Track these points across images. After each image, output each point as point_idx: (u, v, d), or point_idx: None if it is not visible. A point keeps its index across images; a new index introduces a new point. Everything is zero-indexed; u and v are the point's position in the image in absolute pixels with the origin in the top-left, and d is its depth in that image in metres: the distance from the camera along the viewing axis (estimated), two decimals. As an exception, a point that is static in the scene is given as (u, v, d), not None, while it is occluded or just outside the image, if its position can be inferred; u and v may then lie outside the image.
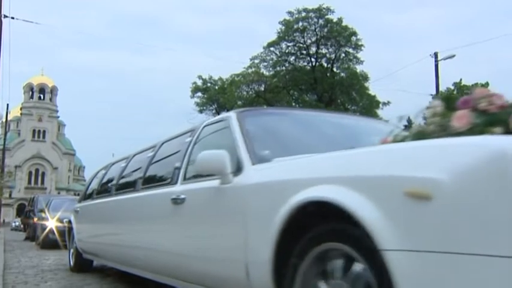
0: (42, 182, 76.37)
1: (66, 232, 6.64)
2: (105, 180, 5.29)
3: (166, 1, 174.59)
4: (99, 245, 4.98)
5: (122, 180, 4.55)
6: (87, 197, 5.82)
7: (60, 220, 10.91)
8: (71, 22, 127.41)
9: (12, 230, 35.71)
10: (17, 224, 35.87)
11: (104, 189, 5.13)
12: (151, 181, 3.71)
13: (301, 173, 2.07)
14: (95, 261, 5.60)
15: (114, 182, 4.72)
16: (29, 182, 75.74)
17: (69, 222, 6.35)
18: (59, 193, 60.67)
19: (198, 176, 2.85)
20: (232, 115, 2.89)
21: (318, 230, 1.82)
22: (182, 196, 2.87)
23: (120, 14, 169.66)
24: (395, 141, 1.89)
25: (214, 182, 2.55)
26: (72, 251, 6.05)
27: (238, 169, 2.45)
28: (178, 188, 3.00)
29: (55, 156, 78.29)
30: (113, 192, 4.60)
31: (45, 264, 6.77)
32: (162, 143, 3.97)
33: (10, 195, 73.02)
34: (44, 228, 11.10)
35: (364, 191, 1.62)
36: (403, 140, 1.85)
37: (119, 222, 4.29)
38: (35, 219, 13.58)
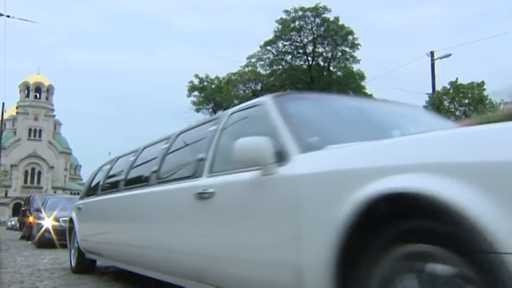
0: (39, 181, 76.11)
1: (67, 231, 6.23)
2: (111, 175, 4.97)
3: (165, 1, 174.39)
4: (105, 244, 4.66)
5: (132, 175, 4.26)
6: (91, 193, 5.49)
7: (57, 219, 10.94)
8: (69, 21, 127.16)
9: (7, 229, 35.60)
10: (13, 223, 35.76)
11: (110, 185, 4.82)
12: (169, 175, 3.42)
13: (370, 161, 1.76)
14: (99, 262, 5.38)
15: (122, 176, 4.39)
16: (25, 181, 75.46)
17: (70, 220, 5.97)
18: (55, 192, 60.49)
19: (229, 168, 2.54)
20: (268, 100, 2.60)
21: (396, 229, 1.54)
22: (210, 190, 2.59)
23: (119, 13, 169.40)
24: (483, 122, 1.70)
25: (251, 174, 2.27)
26: (73, 251, 5.75)
27: (281, 158, 2.16)
28: (204, 182, 2.72)
29: (51, 155, 78.03)
30: (121, 187, 4.30)
31: (41, 264, 6.75)
32: (178, 134, 3.70)
33: (6, 194, 72.84)
34: (40, 227, 11.09)
35: (468, 181, 1.33)
36: (492, 121, 1.66)
37: (129, 219, 3.97)
38: (31, 219, 13.54)
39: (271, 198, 2.17)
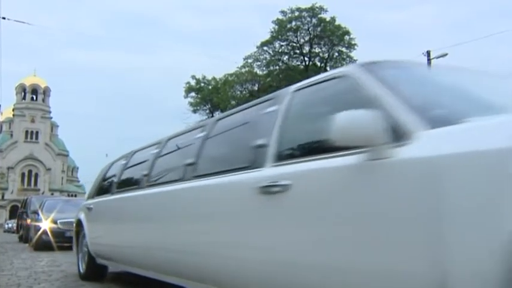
0: (36, 183, 75.92)
1: (73, 234, 5.62)
2: (129, 171, 4.48)
3: (162, 1, 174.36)
4: (122, 248, 4.12)
5: (157, 170, 3.76)
6: (103, 191, 4.98)
7: (54, 221, 10.90)
8: (66, 22, 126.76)
9: (5, 231, 35.52)
10: (10, 225, 35.67)
11: (129, 182, 4.32)
12: (210, 168, 2.94)
13: None
14: (111, 267, 4.86)
15: (144, 172, 3.86)
16: (22, 183, 75.25)
17: (78, 222, 5.37)
18: (52, 194, 60.29)
19: (307, 153, 2.13)
20: (357, 69, 2.11)
21: None
22: (283, 182, 2.09)
23: (117, 14, 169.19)
24: None
25: (348, 159, 1.81)
26: (81, 255, 5.19)
27: (398, 137, 1.69)
28: (269, 172, 2.23)
29: (48, 157, 77.86)
30: (143, 184, 3.79)
31: (39, 266, 6.72)
32: (217, 121, 3.26)
33: (3, 196, 72.66)
34: (37, 229, 11.04)
35: None
36: None
37: (156, 219, 3.45)
38: (28, 221, 13.49)
39: (389, 189, 1.66)
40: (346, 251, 1.80)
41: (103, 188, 5.08)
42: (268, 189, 2.18)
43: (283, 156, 2.27)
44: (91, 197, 5.38)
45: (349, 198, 1.83)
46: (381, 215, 1.69)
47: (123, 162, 4.73)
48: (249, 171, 2.42)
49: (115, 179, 4.69)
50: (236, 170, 2.56)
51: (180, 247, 3.04)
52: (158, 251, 3.37)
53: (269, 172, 2.26)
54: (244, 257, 2.39)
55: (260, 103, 2.82)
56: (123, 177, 4.54)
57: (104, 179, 5.22)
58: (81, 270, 5.16)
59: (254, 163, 2.41)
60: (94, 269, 4.90)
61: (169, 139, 3.89)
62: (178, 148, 3.66)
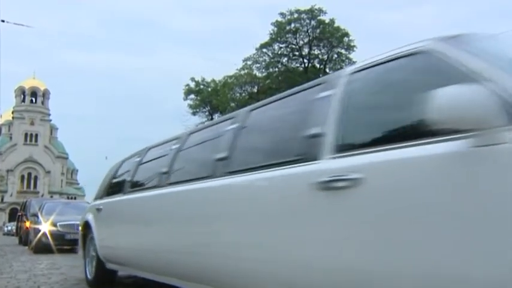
0: (35, 186, 75.89)
1: (80, 236, 5.21)
2: (144, 169, 4.16)
3: (161, 2, 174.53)
4: (139, 252, 3.74)
5: (179, 167, 3.43)
6: (114, 191, 4.62)
7: (54, 224, 10.87)
8: (65, 23, 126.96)
9: (4, 234, 35.49)
10: (9, 228, 35.64)
11: (145, 180, 4.03)
12: (248, 162, 2.63)
13: None
14: (121, 272, 4.60)
15: (163, 169, 3.50)
16: (22, 186, 75.23)
17: (85, 224, 4.96)
18: (51, 197, 60.27)
19: (385, 141, 1.80)
20: (438, 44, 1.81)
21: None
22: (351, 176, 1.78)
23: (115, 15, 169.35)
24: None
25: (449, 145, 1.52)
26: (89, 260, 4.83)
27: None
28: (329, 165, 1.93)
29: (48, 160, 77.85)
30: (163, 182, 3.45)
31: (38, 269, 6.71)
32: (250, 111, 2.90)
33: (2, 199, 72.63)
34: (37, 232, 10.99)
35: None
36: None
37: (179, 221, 3.12)
38: (28, 224, 13.48)
39: (505, 182, 1.37)
40: (440, 259, 1.48)
41: (114, 187, 4.72)
42: (331, 185, 1.86)
43: (346, 147, 1.96)
44: (100, 197, 4.99)
45: (447, 193, 1.51)
46: (493, 214, 1.38)
47: (136, 159, 4.35)
48: (299, 165, 2.11)
49: (128, 178, 4.31)
50: (281, 164, 2.25)
51: (208, 250, 2.70)
52: (181, 255, 3.03)
53: (329, 165, 1.94)
54: (302, 263, 2.01)
55: (304, 90, 2.51)
56: (138, 175, 4.19)
57: (115, 178, 4.84)
58: (89, 276, 4.77)
59: (306, 155, 2.11)
60: (103, 275, 4.53)
61: (191, 133, 3.61)
62: (204, 142, 3.33)
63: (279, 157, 2.35)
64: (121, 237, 4.11)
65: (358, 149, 1.91)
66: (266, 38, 31.27)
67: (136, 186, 4.07)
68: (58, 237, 10.66)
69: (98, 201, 4.87)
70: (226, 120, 3.14)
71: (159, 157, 3.86)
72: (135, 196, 3.94)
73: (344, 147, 1.96)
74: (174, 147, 3.59)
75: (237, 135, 2.80)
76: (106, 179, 5.14)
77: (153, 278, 3.60)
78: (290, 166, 2.18)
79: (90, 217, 4.83)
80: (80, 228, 5.25)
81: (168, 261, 3.24)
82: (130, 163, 4.53)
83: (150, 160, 4.10)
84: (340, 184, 1.83)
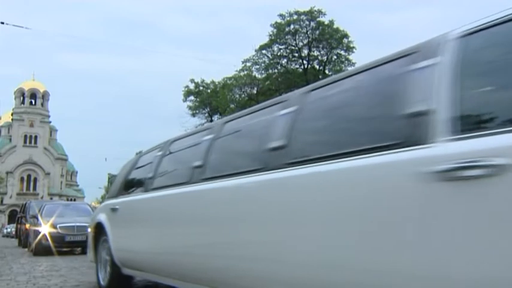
0: (35, 188, 75.83)
1: (91, 239, 4.75)
2: (170, 163, 3.76)
3: (159, 4, 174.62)
4: (163, 256, 3.33)
5: (217, 160, 2.99)
6: (131, 189, 4.26)
7: (54, 226, 10.84)
8: (63, 26, 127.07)
9: (3, 236, 35.48)
10: (9, 230, 35.62)
11: (172, 176, 3.58)
12: (319, 151, 2.16)
13: None
14: (138, 277, 4.24)
15: (196, 163, 3.05)
16: (21, 187, 75.17)
17: (97, 225, 4.52)
18: (51, 198, 60.31)
19: None
20: None
21: None
22: (492, 162, 1.39)
23: (113, 17, 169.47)
24: None
25: None
26: (101, 265, 4.46)
27: None
28: (450, 149, 1.55)
29: (47, 162, 77.81)
30: (196, 178, 2.99)
31: (38, 271, 6.71)
32: (310, 91, 2.44)
33: (2, 201, 72.57)
34: (36, 234, 10.95)
35: None
36: None
37: (225, 222, 2.62)
38: (27, 225, 13.46)
39: None
40: None
41: (131, 185, 4.32)
42: (456, 174, 1.47)
43: (474, 125, 1.58)
44: (114, 196, 4.53)
45: None
46: None
47: (157, 153, 3.90)
48: (396, 150, 1.69)
49: (150, 174, 3.84)
50: (365, 151, 1.81)
51: (269, 258, 2.22)
52: (222, 261, 2.60)
53: (450, 149, 1.55)
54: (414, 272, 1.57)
55: (388, 62, 2.02)
56: (162, 171, 3.74)
57: (132, 175, 4.41)
58: (102, 282, 4.38)
59: (408, 138, 1.70)
60: (119, 281, 4.14)
61: (227, 122, 3.15)
62: (250, 130, 2.90)
63: (363, 143, 1.90)
64: (142, 239, 3.67)
65: (488, 128, 1.51)
66: (265, 40, 31.29)
67: (161, 182, 3.62)
68: (58, 239, 10.65)
69: (113, 201, 4.41)
70: (273, 105, 2.64)
71: (188, 150, 3.46)
72: (159, 194, 3.50)
73: (469, 127, 1.57)
74: (207, 137, 3.14)
75: (295, 120, 2.31)
76: (121, 176, 4.73)
77: (179, 286, 3.19)
78: (382, 153, 1.74)
79: (103, 218, 4.41)
80: (91, 229, 4.81)
81: (202, 267, 2.81)
82: (150, 158, 4.07)
83: (176, 153, 3.69)
84: (471, 173, 1.43)
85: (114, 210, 4.22)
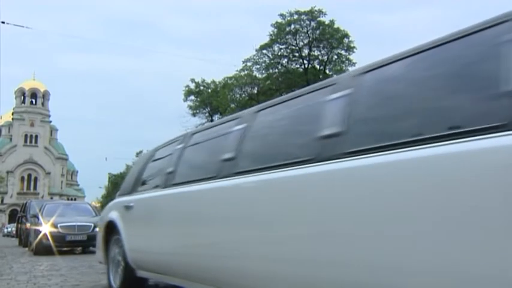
0: (35, 187, 75.89)
1: (100, 239, 4.45)
2: (193, 157, 3.46)
3: (159, 4, 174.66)
4: (186, 257, 3.01)
5: (253, 152, 2.67)
6: (148, 185, 3.97)
7: (54, 225, 10.83)
8: (64, 26, 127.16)
9: (4, 236, 35.50)
10: (9, 229, 35.65)
11: (196, 171, 3.30)
12: (390, 136, 1.75)
13: None
14: (152, 280, 3.97)
15: (226, 156, 2.74)
16: (22, 187, 75.23)
17: (109, 224, 4.20)
18: (51, 198, 60.36)
19: None
20: None
21: None
22: None
23: (113, 17, 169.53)
24: None
25: None
26: (113, 266, 4.15)
27: None
28: None
29: (48, 161, 77.86)
30: (226, 172, 2.67)
31: (38, 270, 6.71)
32: (364, 73, 2.08)
33: (2, 201, 72.62)
34: (37, 233, 10.93)
35: None
36: None
37: (263, 220, 2.29)
38: (28, 225, 13.47)
39: None
40: None
41: (148, 181, 4.03)
42: None
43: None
44: (127, 193, 4.21)
45: None
46: None
47: (177, 147, 3.59)
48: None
49: (169, 169, 3.51)
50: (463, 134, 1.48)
51: (323, 258, 1.88)
52: (268, 263, 2.23)
53: None
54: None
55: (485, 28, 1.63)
56: (184, 165, 3.43)
57: (147, 170, 4.12)
58: (114, 285, 4.08)
59: None
60: (132, 283, 3.85)
61: (261, 110, 2.80)
62: (288, 117, 2.56)
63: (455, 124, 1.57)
64: (162, 239, 3.36)
65: None
66: (266, 39, 31.29)
67: (183, 178, 3.30)
68: (59, 238, 10.64)
69: (126, 198, 4.09)
70: (317, 90, 2.35)
71: (214, 141, 3.17)
72: (182, 190, 3.18)
73: None
74: (238, 127, 2.81)
75: (353, 103, 2.00)
76: (134, 172, 4.43)
77: None
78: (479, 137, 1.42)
79: (115, 216, 4.10)
80: (101, 228, 4.48)
81: (237, 270, 2.48)
82: (167, 152, 3.77)
83: (200, 146, 3.38)
84: None
85: (128, 208, 3.91)
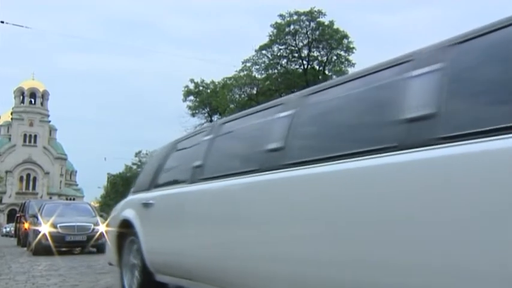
0: (34, 187, 75.81)
1: (113, 239, 4.08)
2: (227, 148, 3.13)
3: (159, 4, 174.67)
4: (220, 261, 2.64)
5: (310, 140, 2.36)
6: (170, 181, 3.59)
7: (54, 225, 10.75)
8: (63, 26, 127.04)
9: (2, 235, 35.49)
10: (8, 229, 35.64)
11: (234, 164, 2.92)
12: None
13: None
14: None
15: (272, 145, 2.37)
16: (21, 187, 75.16)
17: (124, 223, 3.83)
18: (50, 198, 60.30)
19: None
20: None
21: None
22: None
23: (113, 17, 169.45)
24: None
25: None
26: (127, 270, 3.83)
27: None
28: None
29: (46, 161, 77.79)
30: (273, 163, 2.31)
31: (37, 270, 6.71)
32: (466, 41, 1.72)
33: (1, 200, 72.55)
34: (36, 233, 10.83)
35: None
36: None
37: (324, 219, 1.96)
38: (27, 225, 13.43)
39: None
40: None
41: (170, 176, 3.69)
42: None
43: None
44: (145, 189, 3.84)
45: None
46: None
47: (205, 138, 3.23)
48: None
49: (197, 162, 3.14)
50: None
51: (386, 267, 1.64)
52: (331, 269, 1.88)
53: None
54: None
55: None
56: (215, 158, 3.09)
57: (169, 164, 3.76)
58: None
59: None
60: None
61: (312, 93, 2.43)
62: (350, 101, 2.20)
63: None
64: (188, 240, 3.01)
65: None
66: (265, 40, 31.30)
67: (214, 172, 2.96)
68: (58, 238, 10.56)
69: (144, 195, 3.73)
70: (387, 67, 2.03)
71: (253, 130, 2.82)
72: (214, 185, 2.84)
73: None
74: (283, 114, 2.45)
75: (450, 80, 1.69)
76: (152, 166, 4.10)
77: None
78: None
79: (131, 215, 3.76)
80: (113, 228, 4.10)
81: (291, 276, 2.10)
82: (193, 143, 3.47)
83: (235, 136, 3.05)
84: None
85: (147, 205, 3.54)
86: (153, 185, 3.76)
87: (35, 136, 77.89)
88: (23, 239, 14.38)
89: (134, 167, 46.83)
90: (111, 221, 4.27)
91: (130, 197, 4.09)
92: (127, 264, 3.82)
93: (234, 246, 2.52)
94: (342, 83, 2.36)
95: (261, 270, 2.26)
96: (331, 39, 30.35)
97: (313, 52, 31.68)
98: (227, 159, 3.08)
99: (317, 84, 2.57)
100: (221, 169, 2.94)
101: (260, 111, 2.87)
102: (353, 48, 31.10)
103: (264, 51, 31.73)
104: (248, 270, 2.37)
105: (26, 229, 13.57)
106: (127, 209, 3.94)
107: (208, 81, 36.32)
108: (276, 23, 30.66)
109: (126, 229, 3.80)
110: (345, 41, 30.78)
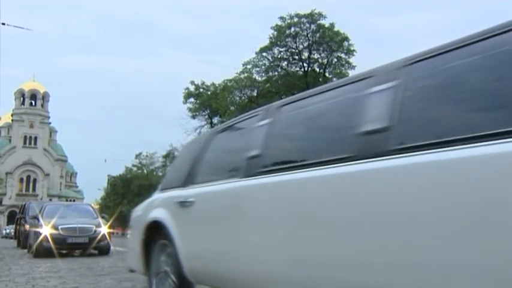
0: (34, 189, 75.81)
1: (139, 243, 3.46)
2: (295, 134, 2.58)
3: (159, 5, 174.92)
4: (294, 269, 2.11)
5: (424, 118, 1.77)
6: (213, 176, 3.03)
7: (55, 227, 10.60)
8: (63, 27, 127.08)
9: (2, 237, 35.49)
10: (8, 231, 35.64)
11: (309, 152, 2.35)
12: None
13: None
14: None
15: (371, 127, 1.85)
16: (21, 188, 75.16)
17: (153, 225, 3.32)
18: (50, 200, 60.25)
19: None
20: None
21: None
22: None
23: (113, 19, 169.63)
24: None
25: None
26: (158, 279, 3.31)
27: None
28: None
29: (47, 163, 77.81)
30: (373, 150, 1.79)
31: (36, 272, 6.71)
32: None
33: (1, 202, 72.55)
34: (37, 235, 10.65)
35: None
36: None
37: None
38: (27, 227, 13.38)
39: None
40: None
41: (214, 169, 3.18)
42: None
43: None
44: (180, 185, 3.29)
45: None
46: None
47: (260, 123, 2.68)
48: None
49: (253, 152, 2.56)
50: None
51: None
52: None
53: None
54: None
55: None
56: (279, 146, 2.60)
57: (211, 155, 3.23)
58: None
59: None
60: None
61: (414, 63, 1.86)
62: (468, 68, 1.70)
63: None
64: (245, 245, 2.49)
65: None
66: (266, 42, 31.35)
67: (281, 163, 2.46)
68: (60, 240, 10.42)
69: (178, 192, 3.22)
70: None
71: (334, 111, 2.32)
72: (285, 178, 2.27)
73: None
74: (378, 88, 1.93)
75: None
76: (186, 159, 3.56)
77: None
78: None
79: (162, 215, 3.24)
80: (138, 231, 3.52)
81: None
82: (241, 130, 3.06)
83: (304, 118, 2.53)
84: None
85: (185, 204, 3.03)
86: (191, 180, 3.21)
87: (35, 138, 77.94)
88: (23, 240, 14.35)
89: (134, 168, 46.83)
90: (135, 223, 3.74)
91: (161, 195, 3.54)
92: (158, 273, 3.30)
93: (319, 252, 1.99)
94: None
95: (358, 281, 1.78)
96: (331, 41, 30.39)
97: (314, 54, 31.72)
98: (298, 147, 2.54)
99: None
100: (292, 159, 2.44)
101: (340, 86, 2.37)
102: (353, 50, 31.15)
103: (264, 54, 31.78)
104: (340, 280, 1.88)
105: (26, 231, 13.51)
106: (156, 208, 3.42)
107: (208, 83, 36.41)
108: (277, 25, 30.71)
109: (155, 232, 3.30)
110: (346, 43, 30.82)
